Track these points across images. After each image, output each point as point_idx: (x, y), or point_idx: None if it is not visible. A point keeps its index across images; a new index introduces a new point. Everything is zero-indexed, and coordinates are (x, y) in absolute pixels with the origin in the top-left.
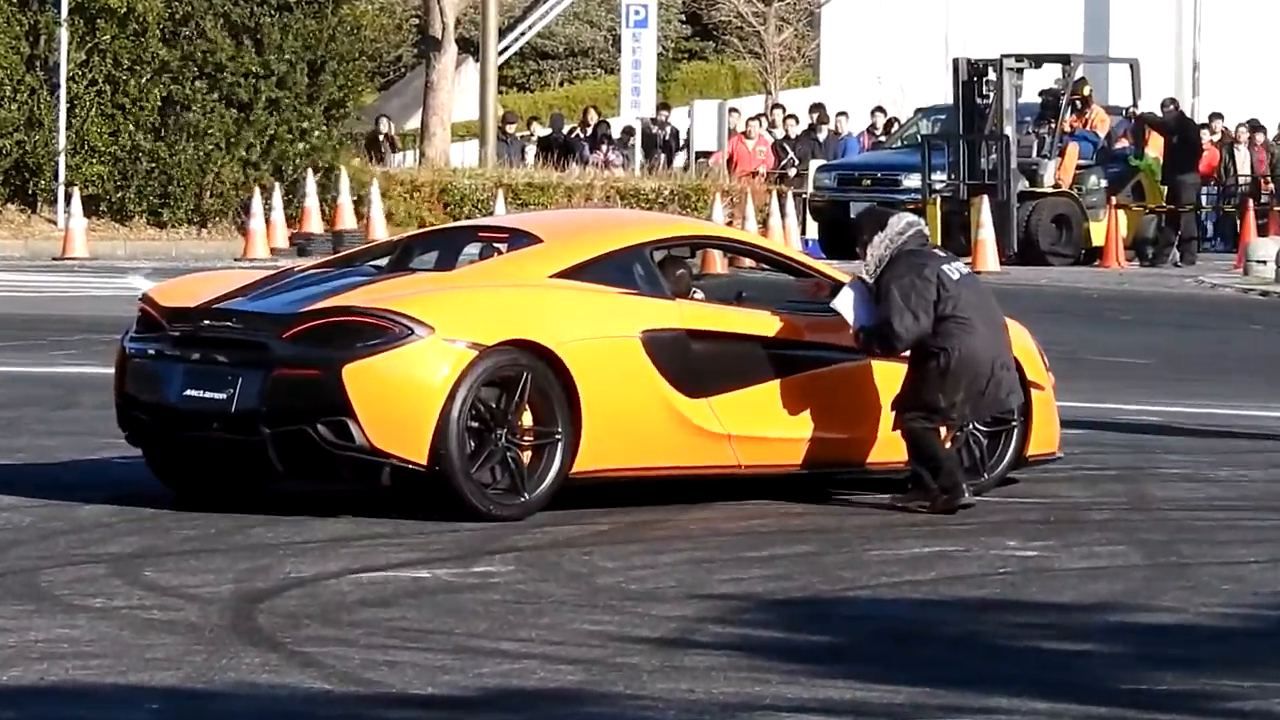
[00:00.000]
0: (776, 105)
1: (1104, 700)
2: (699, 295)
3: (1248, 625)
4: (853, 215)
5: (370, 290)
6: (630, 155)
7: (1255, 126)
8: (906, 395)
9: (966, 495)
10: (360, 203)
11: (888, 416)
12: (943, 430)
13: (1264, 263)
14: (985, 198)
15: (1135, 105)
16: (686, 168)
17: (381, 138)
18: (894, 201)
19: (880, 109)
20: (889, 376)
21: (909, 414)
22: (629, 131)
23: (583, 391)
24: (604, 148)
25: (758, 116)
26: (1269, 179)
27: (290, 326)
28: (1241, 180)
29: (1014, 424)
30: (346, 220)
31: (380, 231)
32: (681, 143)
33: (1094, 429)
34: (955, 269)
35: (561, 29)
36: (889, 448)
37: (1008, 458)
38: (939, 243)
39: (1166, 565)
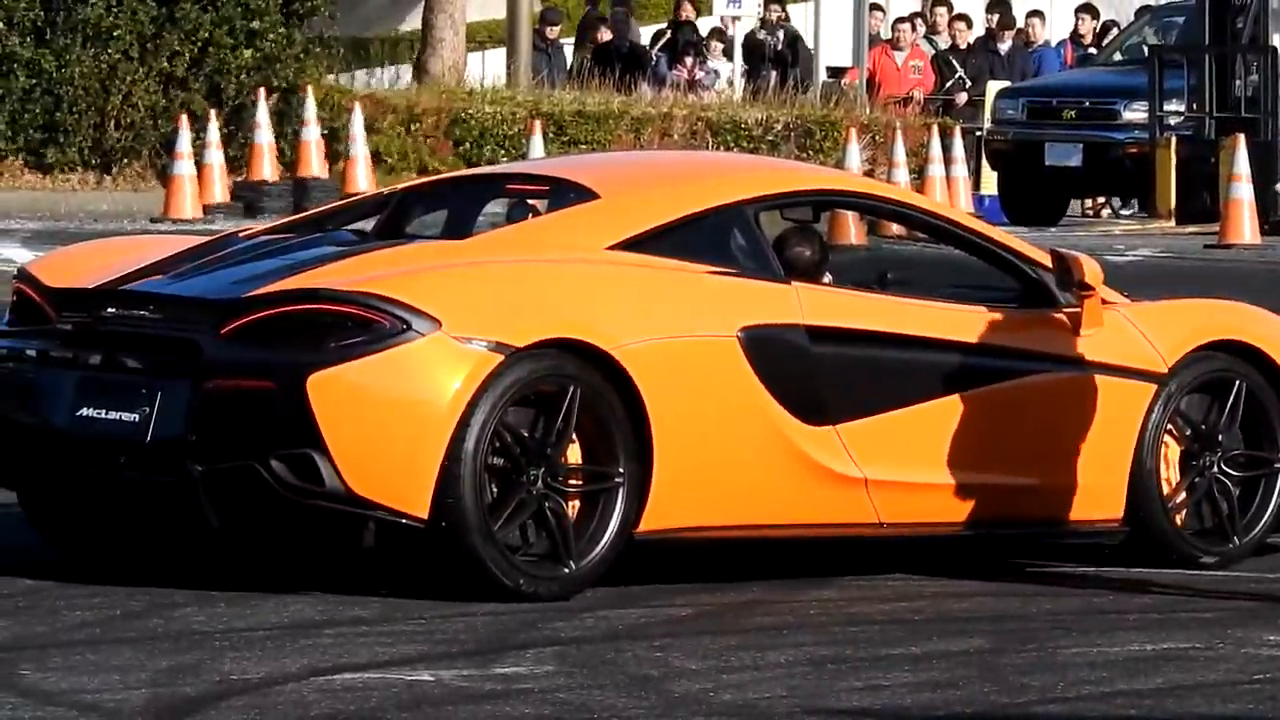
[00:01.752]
0: (940, 1)
1: None
2: (827, 278)
3: None
4: (1047, 162)
5: (348, 266)
6: (720, 72)
7: None
8: None
9: None
10: (334, 139)
11: (1097, 454)
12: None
13: None
14: (1241, 137)
15: None
16: (808, 90)
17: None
18: (1110, 141)
19: (1090, 7)
20: (1107, 394)
21: None
22: (718, 35)
23: (654, 415)
24: (690, 60)
25: (912, 18)
26: None
27: (231, 318)
28: None
29: (1278, 466)
30: (314, 164)
31: (363, 181)
32: (801, 55)
33: None
34: None
35: None
36: (1099, 499)
37: (1268, 515)
38: (1171, 202)
39: None
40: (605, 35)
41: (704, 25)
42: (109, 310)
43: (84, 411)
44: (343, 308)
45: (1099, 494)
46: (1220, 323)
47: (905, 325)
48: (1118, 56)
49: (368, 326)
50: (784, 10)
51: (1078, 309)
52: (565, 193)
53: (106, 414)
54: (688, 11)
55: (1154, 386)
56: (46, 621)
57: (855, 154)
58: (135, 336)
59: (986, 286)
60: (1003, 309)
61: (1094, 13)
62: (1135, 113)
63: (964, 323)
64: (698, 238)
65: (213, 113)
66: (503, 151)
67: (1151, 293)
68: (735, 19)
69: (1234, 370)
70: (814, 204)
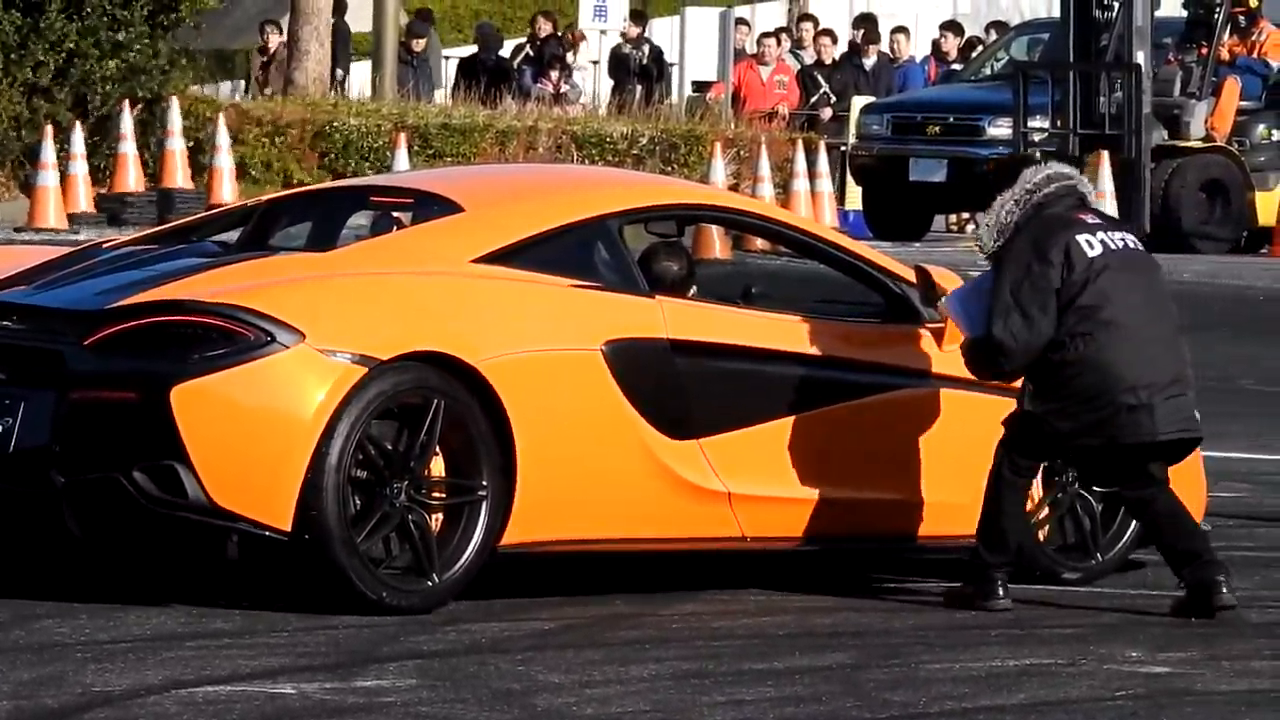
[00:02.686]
0: (805, 16)
1: None
2: (693, 292)
3: None
4: (912, 177)
5: (212, 277)
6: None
7: None
8: (1008, 424)
9: (1001, 598)
10: (199, 150)
11: (960, 470)
12: (1033, 488)
13: None
14: (1105, 154)
15: None
16: (672, 105)
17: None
18: (974, 157)
19: (954, 24)
20: (970, 410)
21: (999, 452)
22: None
23: (518, 428)
24: (555, 74)
25: (778, 32)
26: None
27: (95, 329)
28: None
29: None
30: (178, 176)
31: (228, 193)
32: (666, 69)
33: (1259, 489)
34: (1100, 239)
35: None
36: (964, 514)
37: (1130, 531)
38: None
39: None
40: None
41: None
42: None
43: None
44: (207, 319)
45: (963, 509)
46: None
47: (769, 340)
48: (986, 71)
49: (232, 338)
50: (643, 27)
51: (941, 324)
52: (429, 206)
53: None
54: (544, 27)
55: (1014, 401)
56: None
57: (720, 168)
58: None
59: (851, 301)
60: (867, 324)
61: (958, 29)
62: (1000, 128)
63: (828, 337)
64: (562, 251)
65: (78, 123)
66: (368, 164)
67: None
68: (603, 31)
69: None
70: (679, 218)
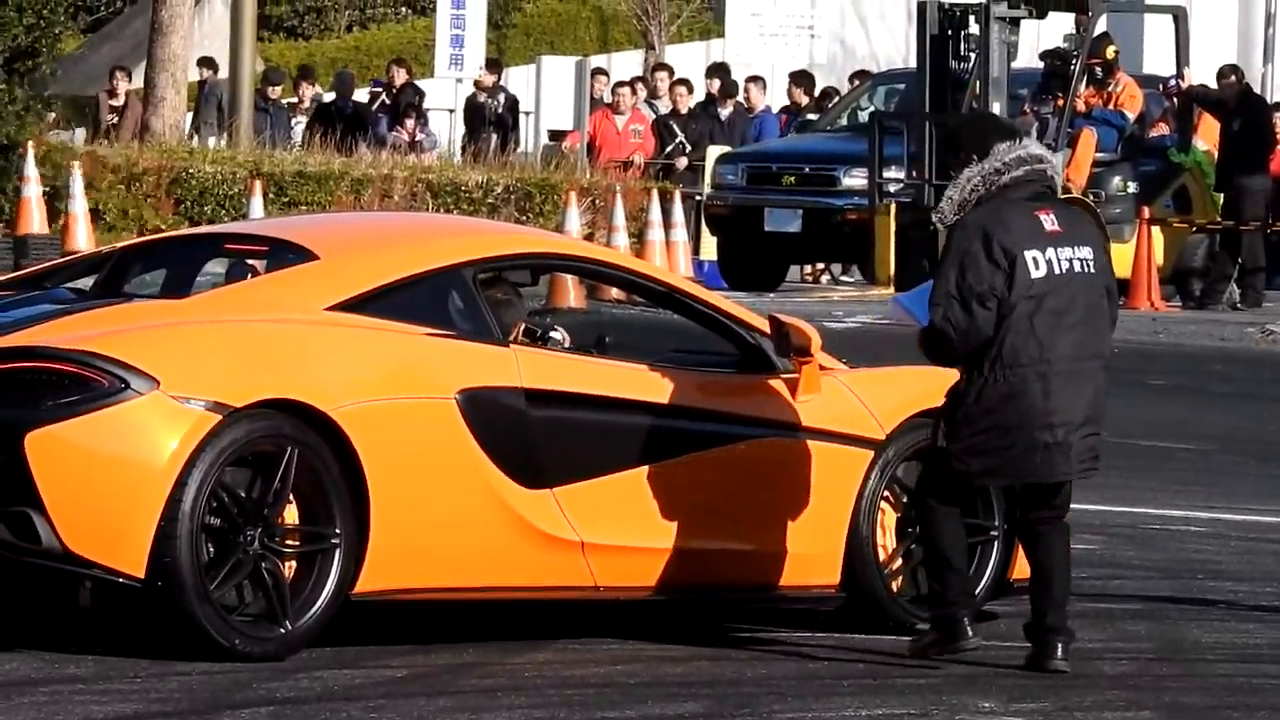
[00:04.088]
0: (661, 66)
1: None
2: (555, 336)
3: None
4: (767, 227)
5: (66, 324)
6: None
7: None
8: (924, 462)
9: (970, 638)
10: (55, 197)
11: (815, 520)
12: (886, 538)
13: None
14: None
15: (1180, 75)
16: (527, 153)
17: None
18: (829, 208)
19: (807, 74)
20: (824, 460)
21: (920, 491)
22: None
23: (371, 477)
24: (410, 122)
25: (633, 82)
26: None
27: None
28: None
29: (993, 533)
30: (34, 222)
31: (83, 240)
32: (522, 117)
33: (1112, 541)
34: (1048, 258)
35: None
36: (816, 564)
37: (984, 582)
38: (890, 269)
39: None
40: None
41: (429, 90)
42: None
43: None
44: (61, 366)
45: (816, 559)
46: (937, 389)
47: (623, 389)
48: (843, 121)
49: (86, 385)
50: (498, 75)
51: (795, 375)
52: (284, 253)
53: None
54: (399, 75)
55: (871, 453)
56: None
57: (575, 217)
58: None
59: (705, 351)
60: (721, 374)
61: (810, 80)
62: (855, 179)
63: (682, 387)
64: (416, 299)
65: None
66: (223, 211)
67: (870, 360)
68: (459, 79)
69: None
70: (533, 267)
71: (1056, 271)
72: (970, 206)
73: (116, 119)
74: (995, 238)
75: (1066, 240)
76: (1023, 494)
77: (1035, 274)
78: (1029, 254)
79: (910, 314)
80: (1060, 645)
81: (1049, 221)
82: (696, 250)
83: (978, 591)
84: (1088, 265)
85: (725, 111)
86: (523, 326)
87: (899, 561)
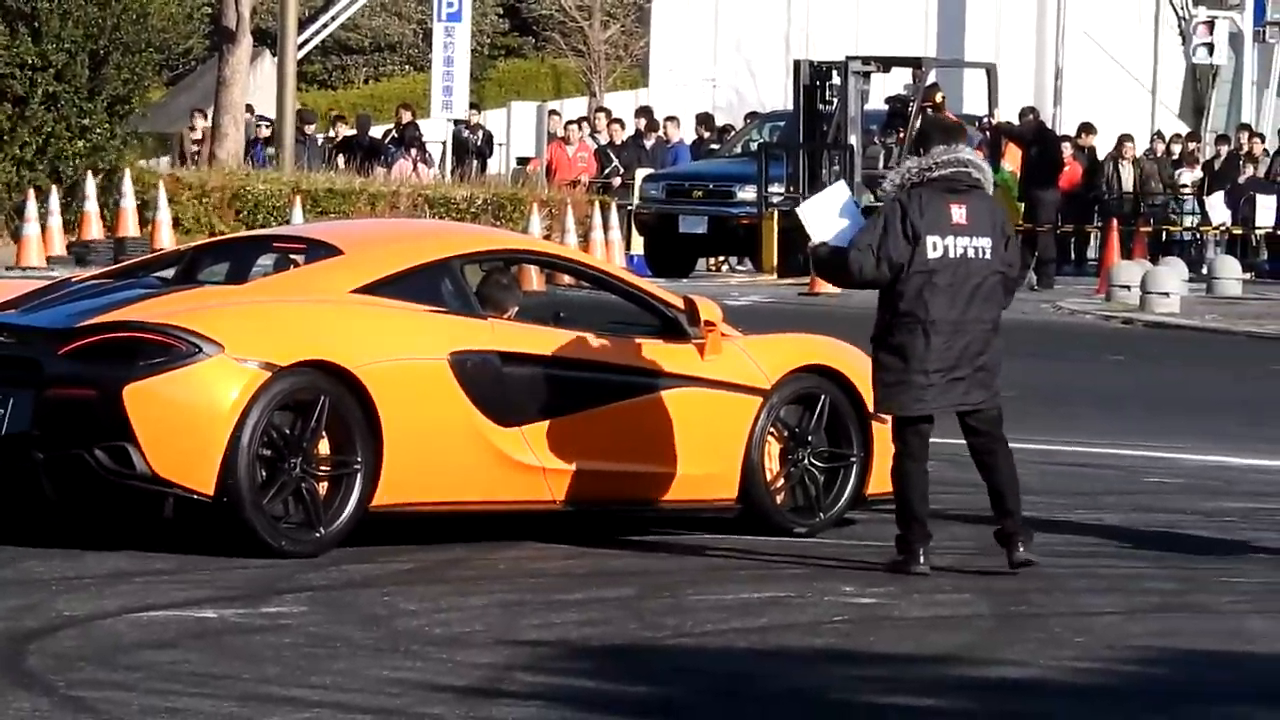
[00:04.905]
0: (601, 109)
1: None
2: (514, 310)
3: (1100, 681)
4: (681, 230)
5: (154, 304)
6: (432, 159)
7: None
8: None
9: (921, 564)
10: (145, 207)
11: (713, 449)
12: (772, 461)
13: (1128, 288)
14: None
15: (991, 114)
16: (500, 175)
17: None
18: (728, 215)
19: (710, 115)
20: (722, 405)
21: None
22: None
23: (385, 418)
24: (413, 152)
25: (580, 120)
26: (1137, 197)
27: (66, 342)
28: (1116, 197)
29: (853, 459)
30: (129, 227)
31: (166, 240)
32: (496, 147)
33: (939, 465)
34: (945, 244)
35: (367, 21)
36: (720, 483)
37: (846, 496)
38: (774, 261)
39: (1015, 615)
40: (349, 131)
41: (427, 127)
42: None
43: None
44: (150, 335)
45: (719, 480)
46: (811, 351)
47: (574, 352)
48: (737, 150)
49: (169, 349)
50: (478, 114)
51: (703, 340)
52: (317, 250)
53: None
54: (405, 115)
55: (760, 399)
56: None
57: (537, 223)
58: None
59: (635, 323)
60: (646, 340)
61: (712, 120)
62: (747, 193)
63: (618, 350)
64: (418, 284)
65: (54, 188)
66: (272, 219)
67: (759, 328)
68: (450, 120)
69: (820, 387)
70: (505, 260)
71: (951, 255)
72: (907, 187)
73: (198, 149)
74: (910, 217)
75: (969, 231)
76: (962, 428)
77: (932, 255)
78: (930, 239)
79: (807, 224)
80: (1021, 543)
81: (959, 214)
82: (628, 247)
83: (839, 505)
84: (983, 252)
85: (649, 142)
86: (515, 310)
87: (781, 481)
